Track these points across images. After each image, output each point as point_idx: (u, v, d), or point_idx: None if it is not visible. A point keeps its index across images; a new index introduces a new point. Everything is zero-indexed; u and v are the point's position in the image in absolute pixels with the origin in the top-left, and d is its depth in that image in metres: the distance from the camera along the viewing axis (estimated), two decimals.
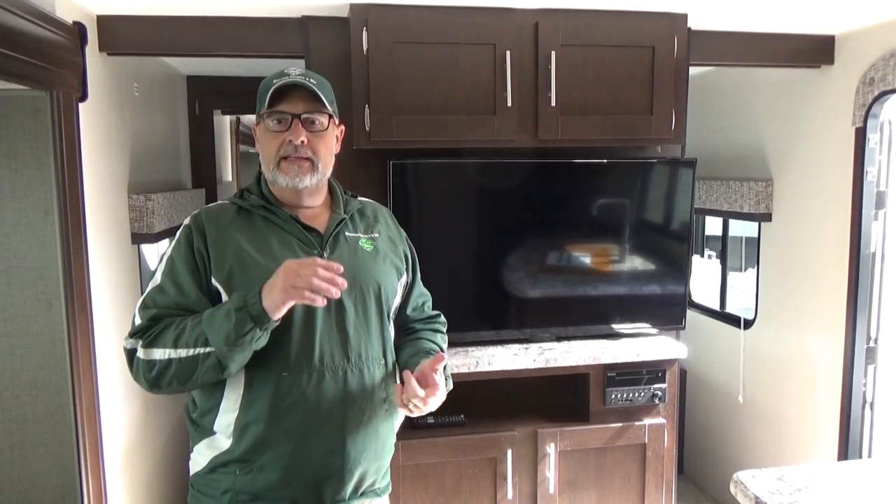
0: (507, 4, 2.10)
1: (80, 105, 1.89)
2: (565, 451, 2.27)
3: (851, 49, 2.48)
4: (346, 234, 1.47)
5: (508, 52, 2.12)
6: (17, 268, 1.72)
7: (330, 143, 1.44)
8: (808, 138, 2.70)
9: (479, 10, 2.11)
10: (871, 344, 2.49)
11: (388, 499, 1.58)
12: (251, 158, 4.33)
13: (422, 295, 1.64)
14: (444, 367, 1.43)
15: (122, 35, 2.14)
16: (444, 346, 1.60)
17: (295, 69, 1.41)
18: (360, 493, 1.44)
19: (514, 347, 2.31)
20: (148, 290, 1.38)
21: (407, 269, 1.58)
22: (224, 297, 1.34)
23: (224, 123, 4.28)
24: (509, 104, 2.14)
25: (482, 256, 2.38)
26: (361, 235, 1.48)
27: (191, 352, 1.28)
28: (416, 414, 1.39)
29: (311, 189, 1.43)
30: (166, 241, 3.06)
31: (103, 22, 2.12)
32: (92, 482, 1.84)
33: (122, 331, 2.27)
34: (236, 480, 1.37)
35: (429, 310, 1.66)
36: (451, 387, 1.48)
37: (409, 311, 1.59)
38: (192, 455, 1.44)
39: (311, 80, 1.39)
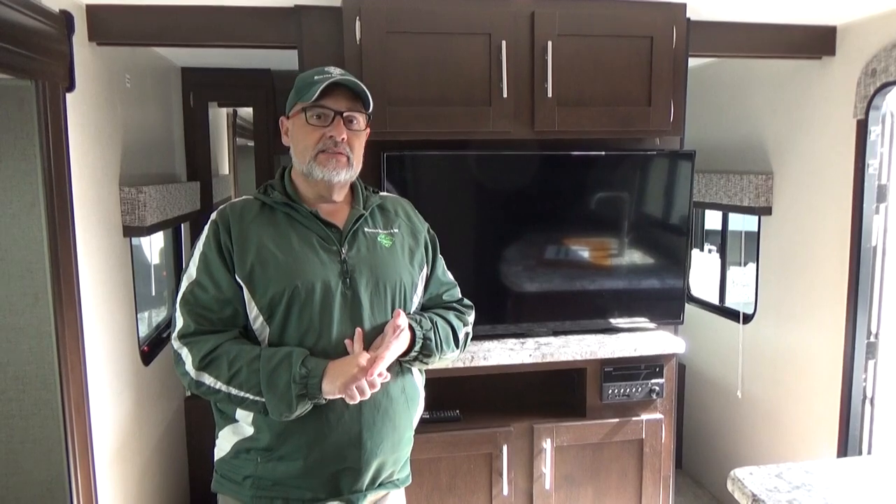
0: None
1: (68, 95, 1.86)
2: (562, 446, 2.25)
3: (853, 40, 2.44)
4: (366, 230, 1.50)
5: (504, 42, 2.08)
6: (2, 261, 1.70)
7: (364, 142, 1.50)
8: (808, 131, 2.67)
9: None
10: (872, 339, 2.47)
11: (405, 491, 1.61)
12: (248, 151, 4.30)
13: (442, 285, 1.64)
14: (422, 323, 1.47)
15: (112, 24, 2.11)
16: (458, 324, 1.57)
17: (336, 69, 1.47)
18: (377, 483, 1.48)
19: (511, 342, 2.28)
20: (184, 285, 1.42)
21: (427, 261, 1.59)
22: (246, 293, 1.40)
23: (220, 116, 4.25)
24: (505, 95, 2.11)
25: (477, 250, 2.35)
26: (381, 231, 1.52)
27: (242, 393, 1.36)
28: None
29: (343, 184, 1.48)
30: (160, 234, 3.04)
31: (93, 11, 2.08)
32: (81, 478, 1.82)
33: (114, 325, 2.28)
34: (258, 467, 1.42)
35: (451, 298, 1.65)
36: (427, 337, 1.48)
37: (425, 300, 1.60)
38: (217, 441, 1.49)
39: (356, 81, 1.45)
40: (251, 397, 1.35)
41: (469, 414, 2.26)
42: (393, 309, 1.47)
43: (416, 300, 1.56)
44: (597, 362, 2.26)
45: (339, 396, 1.34)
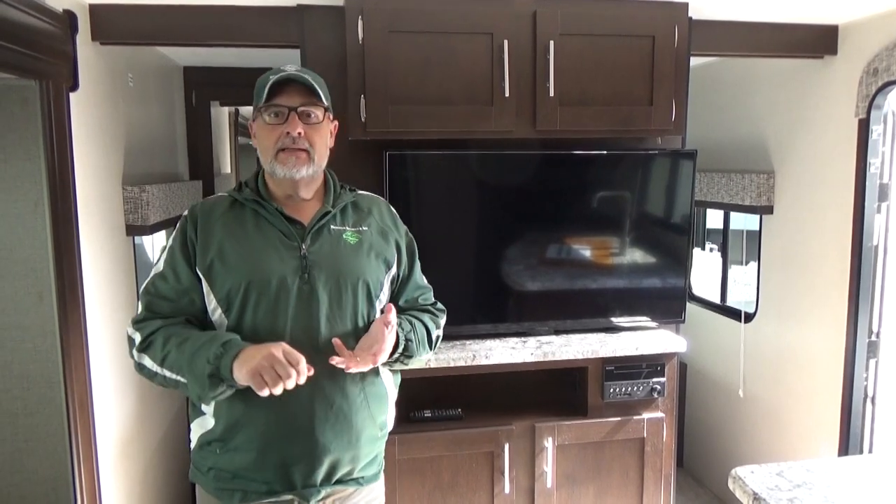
0: None
1: (72, 95, 1.87)
2: (563, 445, 2.25)
3: (855, 39, 2.44)
4: (332, 227, 1.50)
5: (506, 42, 2.09)
6: (7, 260, 1.70)
7: (325, 135, 1.49)
8: (810, 130, 2.67)
9: None
10: (873, 338, 2.47)
11: (380, 489, 1.61)
12: (250, 150, 4.30)
13: (418, 288, 1.65)
14: (402, 325, 1.49)
15: (115, 24, 2.12)
16: (431, 325, 1.60)
17: (291, 66, 1.47)
18: (333, 480, 1.48)
19: (512, 341, 2.29)
20: (151, 275, 1.48)
21: (399, 262, 1.58)
22: (205, 286, 1.43)
23: (223, 115, 4.26)
24: (507, 95, 2.11)
25: (479, 249, 2.35)
26: (348, 228, 1.52)
27: (174, 375, 1.39)
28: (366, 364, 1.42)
29: (308, 180, 1.47)
30: (163, 232, 3.05)
31: (96, 11, 2.09)
32: (85, 476, 1.82)
33: (117, 323, 2.28)
34: (218, 459, 1.46)
35: (426, 302, 1.66)
36: (409, 339, 1.50)
37: (401, 302, 1.60)
38: (190, 433, 1.54)
39: (307, 76, 1.45)
40: (181, 379, 1.37)
41: (471, 412, 2.26)
42: (355, 305, 1.47)
43: (383, 299, 1.55)
44: (598, 361, 2.26)
45: (246, 384, 1.31)
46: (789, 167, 2.79)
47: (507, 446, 2.19)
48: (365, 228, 1.53)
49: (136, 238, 2.52)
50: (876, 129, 2.37)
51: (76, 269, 1.84)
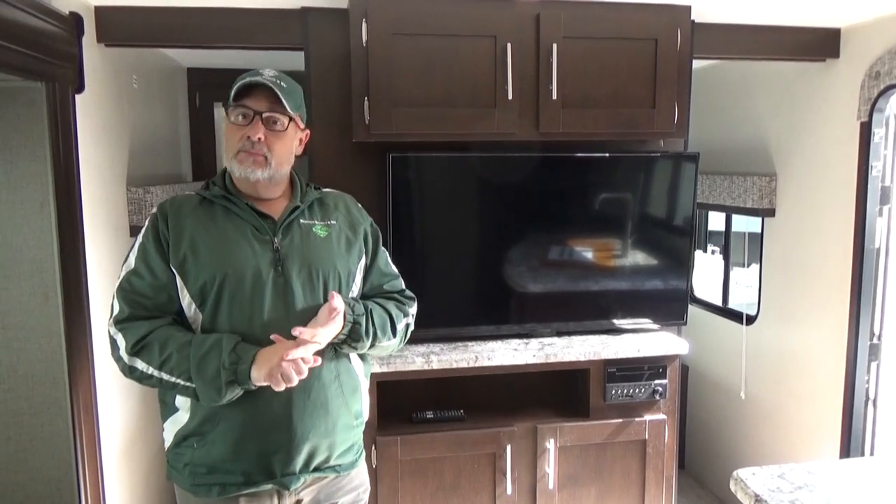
0: None
1: (77, 97, 1.88)
2: (565, 446, 2.26)
3: (857, 42, 2.45)
4: (301, 221, 1.53)
5: (509, 45, 2.09)
6: (13, 260, 1.71)
7: (289, 143, 1.51)
8: (812, 133, 2.68)
9: (479, 1, 2.09)
10: (875, 340, 2.47)
11: (361, 476, 1.63)
12: None
13: (383, 276, 1.65)
14: (354, 308, 1.49)
15: (120, 26, 2.13)
16: (396, 312, 1.59)
17: (270, 71, 1.48)
18: (312, 467, 1.51)
19: (514, 342, 2.29)
20: (123, 273, 1.48)
21: (367, 252, 1.61)
22: (179, 281, 1.44)
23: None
24: (510, 97, 2.12)
25: (482, 250, 2.36)
26: (317, 223, 1.55)
27: (173, 378, 1.40)
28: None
29: (265, 182, 1.49)
30: None
31: (101, 13, 2.10)
32: (89, 475, 1.83)
33: None
34: (194, 454, 1.47)
35: (392, 289, 1.66)
36: (357, 322, 1.49)
37: (365, 289, 1.62)
38: (163, 432, 1.55)
39: (282, 84, 1.46)
40: (182, 382, 1.39)
41: (473, 414, 2.27)
42: (327, 296, 1.48)
43: (356, 289, 1.58)
44: (600, 363, 2.27)
45: (265, 384, 1.36)
46: (791, 170, 2.80)
47: (509, 447, 2.20)
48: (333, 222, 1.56)
49: None
50: (878, 132, 2.38)
51: (81, 270, 1.85)
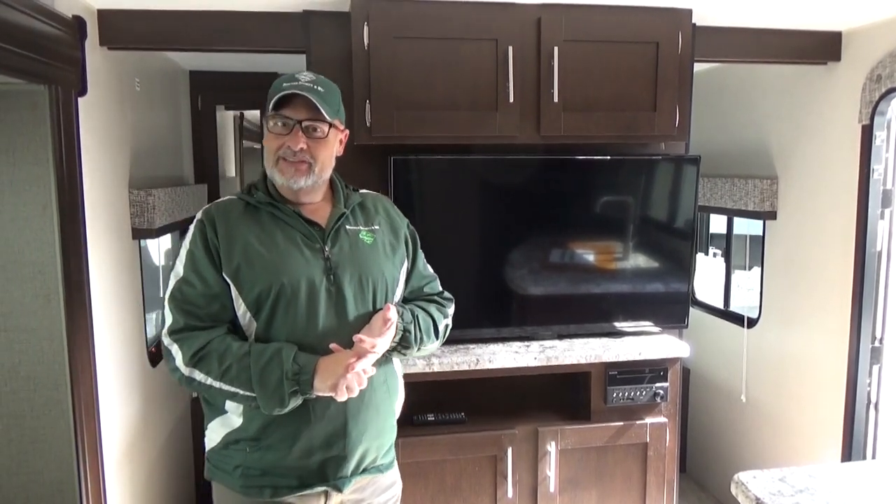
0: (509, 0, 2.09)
1: (80, 100, 1.88)
2: (566, 449, 2.26)
3: (859, 45, 2.45)
4: (347, 227, 1.53)
5: (511, 48, 2.10)
6: (15, 262, 1.71)
7: (330, 148, 1.50)
8: (813, 136, 2.68)
9: (481, 5, 2.09)
10: (876, 344, 2.47)
11: (396, 474, 1.66)
12: (254, 154, 4.33)
13: (423, 278, 1.67)
14: (403, 315, 1.51)
15: (122, 29, 2.14)
16: (438, 315, 1.61)
17: (306, 74, 1.47)
18: (361, 469, 1.53)
19: (516, 345, 2.30)
20: (172, 282, 1.45)
21: (407, 255, 1.62)
22: (233, 290, 1.43)
23: (227, 119, 4.27)
24: (511, 100, 2.12)
25: (483, 253, 2.36)
26: (362, 228, 1.55)
27: (233, 388, 1.39)
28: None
29: (308, 189, 1.49)
30: (167, 236, 3.06)
31: (104, 16, 2.11)
32: (90, 477, 1.84)
33: (123, 326, 2.29)
34: (247, 457, 1.46)
35: (431, 291, 1.68)
36: (407, 329, 1.52)
37: (406, 293, 1.63)
38: (206, 432, 1.54)
39: (319, 88, 1.45)
40: (242, 392, 1.38)
41: (474, 416, 2.27)
42: (376, 303, 1.50)
43: (399, 294, 1.59)
44: (601, 366, 2.27)
45: (328, 394, 1.38)
46: (793, 173, 2.80)
47: (510, 450, 2.20)
48: (377, 227, 1.57)
49: (141, 241, 2.54)
50: (879, 136, 2.38)
51: (83, 272, 1.85)
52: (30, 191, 1.70)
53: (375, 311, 1.50)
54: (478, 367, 2.17)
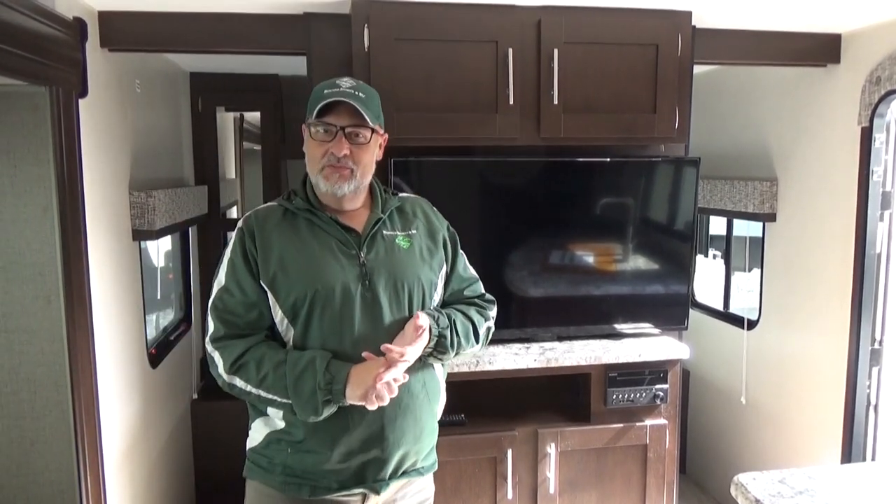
0: (509, 2, 2.09)
1: (81, 101, 1.89)
2: (566, 451, 2.26)
3: (858, 48, 2.45)
4: (384, 232, 1.54)
5: (511, 50, 2.10)
6: (16, 264, 1.72)
7: (372, 153, 1.53)
8: (813, 138, 2.68)
9: (481, 7, 2.10)
10: (876, 346, 2.47)
11: (431, 478, 1.66)
12: (254, 155, 4.33)
13: (463, 281, 1.67)
14: (438, 320, 1.50)
15: (123, 31, 2.14)
16: (478, 318, 1.61)
17: (347, 80, 1.49)
18: (400, 472, 1.55)
19: (515, 347, 2.30)
20: (214, 291, 1.49)
21: (447, 259, 1.62)
22: (270, 297, 1.46)
23: (228, 120, 4.27)
24: (511, 102, 2.13)
25: (483, 255, 2.35)
26: (398, 233, 1.56)
27: (270, 395, 1.43)
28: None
29: (350, 195, 1.51)
30: (167, 237, 3.07)
31: (105, 17, 2.11)
32: (90, 479, 1.84)
33: (124, 327, 2.29)
34: (289, 457, 1.49)
35: (472, 294, 1.68)
36: (443, 335, 1.51)
37: (446, 296, 1.64)
38: (249, 431, 1.57)
39: (360, 94, 1.47)
40: (279, 399, 1.42)
41: (474, 418, 2.27)
42: (412, 308, 1.50)
43: (437, 298, 1.59)
44: (601, 367, 2.27)
45: (360, 403, 1.39)
46: (792, 175, 2.80)
47: (510, 452, 2.20)
48: (414, 231, 1.58)
49: (141, 243, 2.54)
50: (879, 138, 2.38)
51: (84, 274, 1.85)
52: (30, 192, 1.71)
53: (412, 316, 1.50)
54: (478, 369, 2.17)
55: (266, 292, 1.46)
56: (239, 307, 1.46)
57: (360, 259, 1.48)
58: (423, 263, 1.55)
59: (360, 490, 1.51)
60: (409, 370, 1.45)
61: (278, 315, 1.47)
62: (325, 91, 1.46)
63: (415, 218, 1.61)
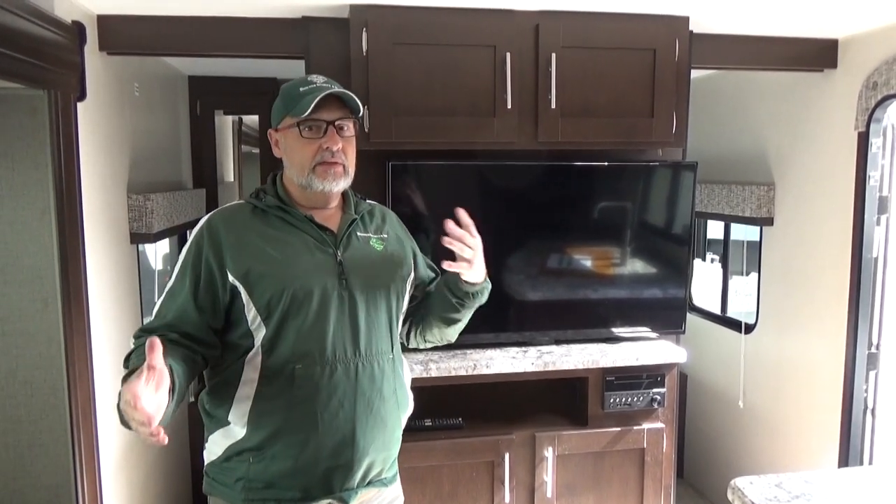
0: (507, 6, 2.10)
1: (79, 104, 1.89)
2: (563, 455, 2.26)
3: (855, 53, 2.46)
4: (358, 233, 1.54)
5: (509, 54, 2.11)
6: (13, 267, 1.72)
7: (354, 146, 1.52)
8: (810, 142, 2.69)
9: (479, 11, 2.11)
10: (873, 349, 2.47)
11: (399, 489, 1.64)
12: (253, 159, 4.33)
13: (434, 272, 1.68)
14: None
15: (122, 34, 2.14)
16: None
17: (318, 77, 1.47)
18: (367, 481, 1.50)
19: (513, 350, 2.30)
20: (167, 288, 1.45)
21: (415, 266, 1.63)
22: (243, 295, 1.40)
23: (226, 124, 4.28)
24: (509, 106, 2.13)
25: None
26: (372, 235, 1.55)
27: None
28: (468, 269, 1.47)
29: (337, 193, 1.50)
30: (165, 240, 3.06)
31: (103, 21, 2.11)
32: (87, 482, 1.83)
33: (121, 330, 2.29)
34: (250, 468, 1.43)
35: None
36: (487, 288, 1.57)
37: (433, 287, 1.64)
38: (206, 445, 1.50)
39: (337, 87, 1.45)
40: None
41: (471, 422, 2.27)
42: (387, 309, 1.50)
43: (405, 305, 1.59)
44: (598, 371, 2.27)
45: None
46: (789, 179, 2.81)
47: (507, 456, 2.20)
48: (385, 236, 1.58)
49: (139, 246, 2.54)
50: (875, 142, 2.39)
51: (81, 277, 1.85)
52: (28, 195, 1.70)
53: (389, 316, 1.50)
54: (475, 373, 2.17)
55: (238, 288, 1.39)
56: (173, 315, 1.39)
57: (337, 258, 1.46)
58: (396, 266, 1.55)
59: (327, 500, 1.46)
60: (380, 374, 1.45)
61: (251, 313, 1.40)
62: (302, 89, 1.43)
63: (384, 223, 1.61)
